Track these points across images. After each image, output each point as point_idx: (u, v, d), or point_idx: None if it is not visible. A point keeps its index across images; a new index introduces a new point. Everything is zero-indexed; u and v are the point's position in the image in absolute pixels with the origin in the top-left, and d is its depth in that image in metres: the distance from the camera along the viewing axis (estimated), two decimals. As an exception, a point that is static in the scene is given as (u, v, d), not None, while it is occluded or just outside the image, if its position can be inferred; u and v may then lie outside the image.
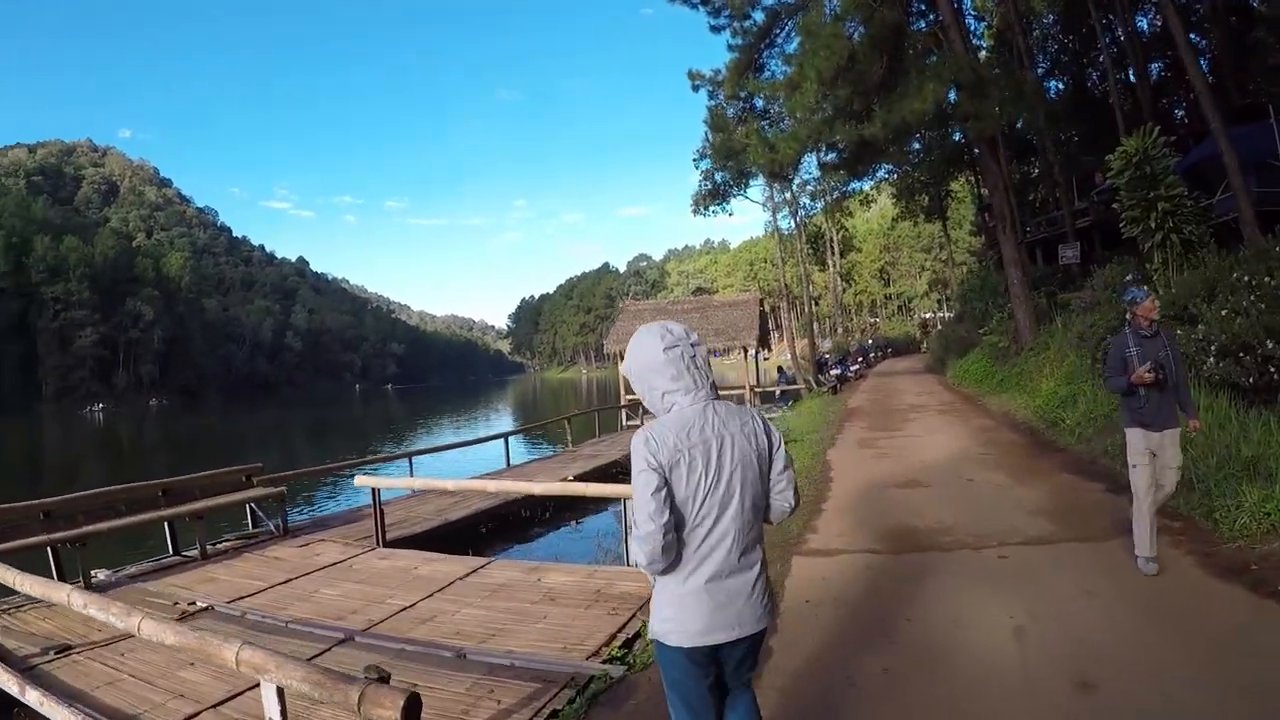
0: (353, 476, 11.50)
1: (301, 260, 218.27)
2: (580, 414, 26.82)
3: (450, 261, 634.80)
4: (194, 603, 7.49)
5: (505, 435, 18.31)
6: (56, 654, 6.20)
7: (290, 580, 8.18)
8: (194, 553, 9.54)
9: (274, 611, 7.05)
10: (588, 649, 5.46)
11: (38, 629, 6.95)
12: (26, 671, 5.80)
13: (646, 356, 2.61)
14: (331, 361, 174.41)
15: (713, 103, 32.56)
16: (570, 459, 18.42)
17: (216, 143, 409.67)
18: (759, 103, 30.53)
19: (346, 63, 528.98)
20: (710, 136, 32.92)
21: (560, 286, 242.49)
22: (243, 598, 7.58)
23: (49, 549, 8.40)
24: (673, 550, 2.49)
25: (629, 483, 2.68)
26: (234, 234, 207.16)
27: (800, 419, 19.12)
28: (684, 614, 2.54)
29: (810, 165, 38.09)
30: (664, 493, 2.45)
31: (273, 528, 10.77)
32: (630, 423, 27.38)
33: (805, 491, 8.96)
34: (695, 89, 33.45)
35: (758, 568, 2.62)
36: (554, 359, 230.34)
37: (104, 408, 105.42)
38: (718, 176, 37.50)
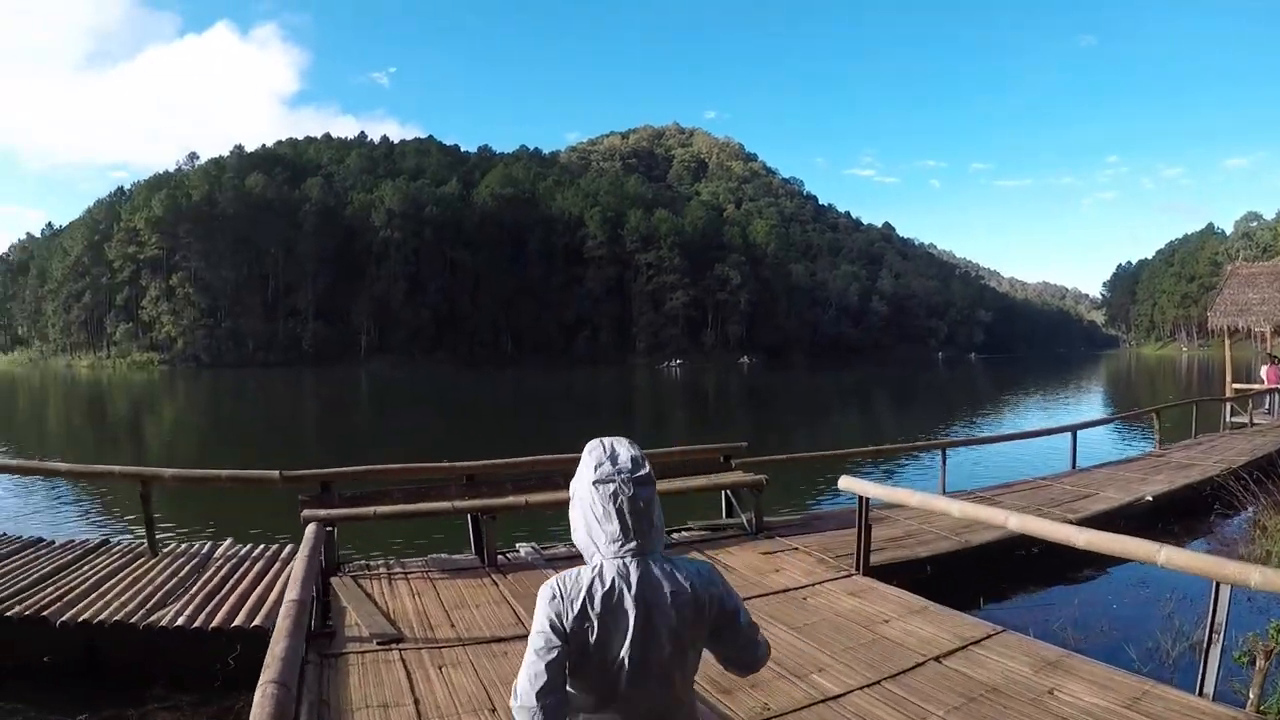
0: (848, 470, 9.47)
1: (887, 225, 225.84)
2: (1175, 405, 21.65)
3: (1039, 225, 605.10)
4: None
5: (1073, 428, 14.75)
6: (380, 644, 5.53)
7: (716, 603, 6.44)
8: (635, 541, 8.32)
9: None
10: None
11: (399, 607, 6.42)
12: (327, 657, 5.26)
13: (577, 484, 2.21)
14: (916, 327, 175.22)
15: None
16: (1153, 467, 14.01)
17: (799, 117, 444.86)
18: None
19: (927, 26, 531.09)
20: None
21: (1159, 251, 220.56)
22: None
23: (469, 516, 8.02)
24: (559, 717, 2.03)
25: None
26: (819, 202, 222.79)
27: None
28: None
29: None
30: (559, 655, 2.03)
31: (745, 522, 9.31)
32: (1235, 419, 21.31)
33: None
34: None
35: None
36: (1150, 333, 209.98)
37: (681, 363, 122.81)
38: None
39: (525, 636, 5.35)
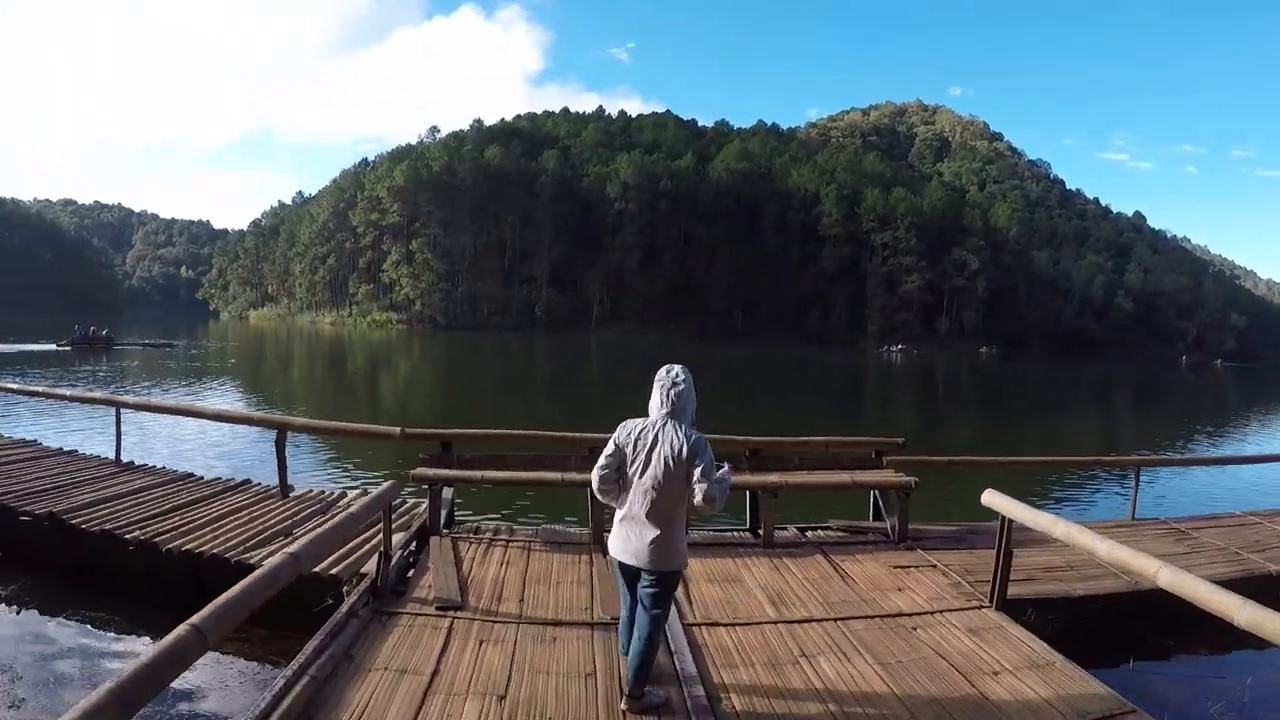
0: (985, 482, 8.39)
1: (1138, 215, 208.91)
2: None
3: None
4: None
5: (1291, 456, 12.88)
6: (438, 609, 5.67)
7: (809, 621, 5.96)
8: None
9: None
10: None
11: (480, 574, 6.56)
12: (380, 614, 5.41)
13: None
14: (1163, 326, 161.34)
15: None
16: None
17: (1049, 95, 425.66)
18: None
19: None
20: None
21: None
22: (716, 624, 5.80)
23: (587, 491, 7.97)
24: (611, 493, 4.36)
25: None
26: (1066, 187, 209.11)
27: None
28: (614, 534, 4.37)
29: None
30: (614, 458, 4.30)
31: (888, 528, 8.57)
32: None
33: None
34: None
35: (660, 530, 4.20)
36: None
37: (902, 349, 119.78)
38: None
39: (587, 623, 5.85)
